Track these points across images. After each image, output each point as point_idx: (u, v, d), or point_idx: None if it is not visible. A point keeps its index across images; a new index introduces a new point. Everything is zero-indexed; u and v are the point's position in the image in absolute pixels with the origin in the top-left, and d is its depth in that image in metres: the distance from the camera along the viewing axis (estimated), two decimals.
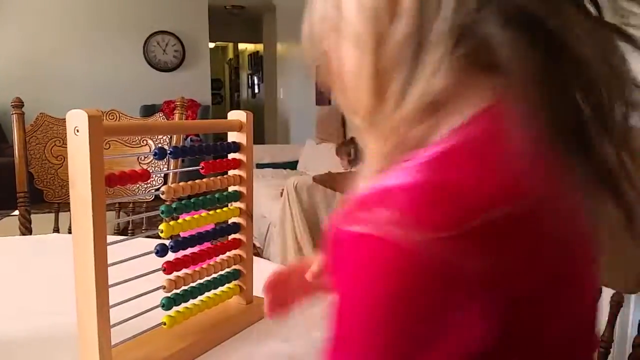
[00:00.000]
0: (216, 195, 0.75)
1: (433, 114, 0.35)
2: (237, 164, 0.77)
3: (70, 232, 1.59)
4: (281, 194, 3.11)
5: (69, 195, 1.61)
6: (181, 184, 0.69)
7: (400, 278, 0.30)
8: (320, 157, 4.23)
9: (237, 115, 0.77)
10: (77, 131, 0.54)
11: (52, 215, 1.61)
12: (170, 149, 0.67)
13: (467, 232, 0.29)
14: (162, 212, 0.66)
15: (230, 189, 0.78)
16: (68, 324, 0.74)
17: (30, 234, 1.55)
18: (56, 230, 1.60)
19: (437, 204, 0.30)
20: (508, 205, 0.30)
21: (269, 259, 3.05)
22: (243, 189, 0.78)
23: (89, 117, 0.53)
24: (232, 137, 0.77)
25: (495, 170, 0.31)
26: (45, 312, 0.80)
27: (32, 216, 1.58)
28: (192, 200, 0.71)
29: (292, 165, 4.75)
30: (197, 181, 0.71)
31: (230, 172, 0.77)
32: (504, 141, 0.32)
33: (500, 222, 0.30)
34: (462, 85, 0.35)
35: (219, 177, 0.76)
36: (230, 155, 0.77)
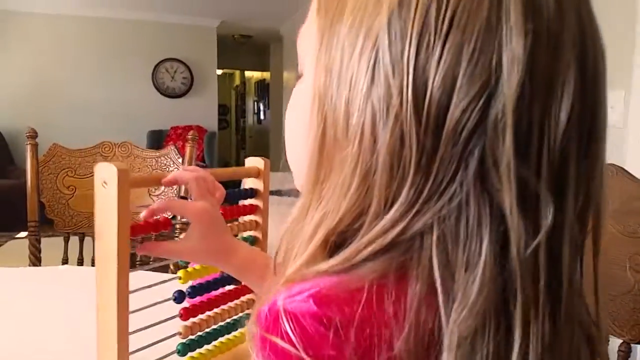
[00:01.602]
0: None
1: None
2: (253, 209, 0.79)
3: (79, 264, 1.59)
4: None
5: (78, 226, 1.62)
6: None
7: None
8: None
9: (254, 162, 0.78)
10: (105, 184, 0.55)
11: (58, 239, 1.62)
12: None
13: None
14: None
15: (246, 234, 0.80)
16: None
17: (40, 262, 1.56)
18: (65, 260, 1.61)
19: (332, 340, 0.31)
20: None
21: None
22: (258, 234, 0.80)
23: (118, 170, 0.55)
24: (250, 183, 0.79)
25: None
26: (59, 351, 0.81)
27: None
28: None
29: (296, 193, 4.76)
30: None
31: (247, 218, 0.79)
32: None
33: None
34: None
35: (235, 223, 0.77)
36: (247, 201, 0.79)
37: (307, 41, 0.39)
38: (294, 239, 0.37)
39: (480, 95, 0.29)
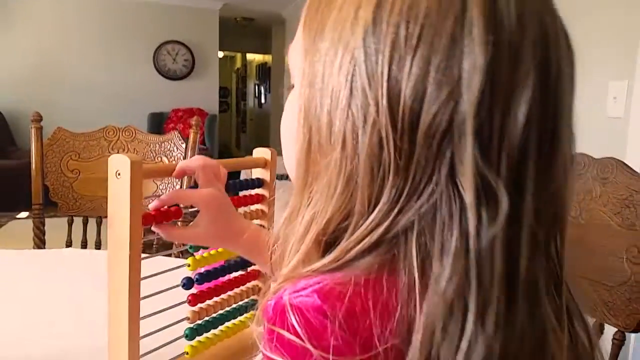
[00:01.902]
0: None
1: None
2: (260, 199, 0.80)
3: (83, 247, 1.61)
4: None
5: (82, 209, 1.64)
6: None
7: None
8: None
9: (262, 153, 0.80)
10: (119, 175, 0.57)
11: (61, 220, 1.64)
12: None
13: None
14: (191, 247, 0.70)
15: (253, 222, 0.81)
16: (91, 348, 0.77)
17: (44, 244, 1.58)
18: (69, 243, 1.63)
19: (335, 331, 0.33)
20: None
21: None
22: (264, 223, 0.81)
23: (132, 162, 0.56)
24: (257, 173, 0.80)
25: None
26: (69, 335, 0.83)
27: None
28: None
29: None
30: None
31: (254, 207, 0.80)
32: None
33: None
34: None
35: (241, 212, 0.79)
36: (254, 191, 0.80)
37: (295, 55, 0.42)
38: (288, 237, 0.41)
39: (447, 102, 0.32)
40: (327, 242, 0.38)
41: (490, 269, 0.32)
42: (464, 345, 0.32)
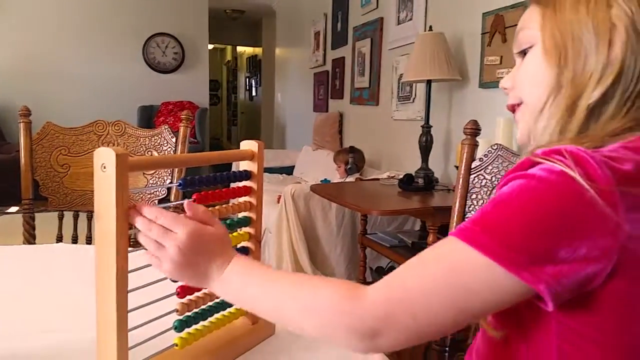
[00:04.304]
0: (227, 221, 0.79)
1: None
2: (248, 191, 0.81)
3: (73, 241, 1.61)
4: (277, 200, 3.15)
5: (72, 204, 1.63)
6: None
7: (568, 201, 0.45)
8: (317, 163, 4.27)
9: (249, 145, 0.80)
10: (104, 168, 0.57)
11: (52, 214, 1.64)
12: (180, 182, 0.71)
13: (620, 192, 0.45)
14: None
15: (241, 214, 0.82)
16: (82, 342, 0.77)
17: (34, 239, 1.58)
18: (59, 237, 1.63)
19: (605, 170, 0.46)
20: None
21: None
22: (253, 215, 0.82)
23: (117, 155, 0.56)
24: (244, 165, 0.80)
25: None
26: (58, 330, 0.84)
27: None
28: None
29: (288, 170, 4.79)
30: (210, 208, 0.74)
31: (242, 199, 0.81)
32: None
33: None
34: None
35: (230, 204, 0.79)
36: (242, 183, 0.81)
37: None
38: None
39: None
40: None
41: None
42: None
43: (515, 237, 0.46)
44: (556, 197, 0.46)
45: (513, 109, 0.65)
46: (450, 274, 0.48)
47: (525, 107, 0.63)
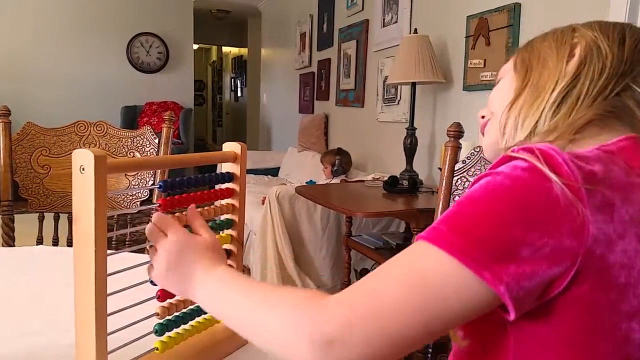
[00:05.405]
0: (209, 223, 0.78)
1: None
2: (230, 193, 0.80)
3: (54, 244, 1.58)
4: (262, 202, 3.14)
5: (53, 205, 1.61)
6: (177, 214, 0.72)
7: (534, 196, 0.46)
8: (302, 165, 4.27)
9: (232, 147, 0.79)
10: (83, 169, 0.56)
11: (31, 216, 1.62)
12: (160, 184, 0.70)
13: (586, 190, 0.46)
14: None
15: (223, 217, 0.81)
16: (62, 346, 0.76)
17: (14, 242, 1.55)
18: (40, 239, 1.60)
19: (571, 166, 0.47)
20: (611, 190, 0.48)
21: (248, 266, 3.08)
22: (235, 217, 0.81)
23: (95, 157, 0.55)
24: (227, 167, 0.80)
25: (611, 170, 0.49)
26: (37, 333, 0.82)
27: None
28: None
29: (273, 171, 4.78)
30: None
31: (224, 201, 0.80)
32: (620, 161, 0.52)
33: (604, 199, 0.47)
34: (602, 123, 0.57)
35: (212, 207, 0.79)
36: (224, 185, 0.80)
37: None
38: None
39: None
40: None
41: None
42: None
43: (479, 231, 0.46)
44: (522, 192, 0.47)
45: (484, 128, 0.72)
46: (420, 281, 0.46)
47: (494, 117, 0.66)
